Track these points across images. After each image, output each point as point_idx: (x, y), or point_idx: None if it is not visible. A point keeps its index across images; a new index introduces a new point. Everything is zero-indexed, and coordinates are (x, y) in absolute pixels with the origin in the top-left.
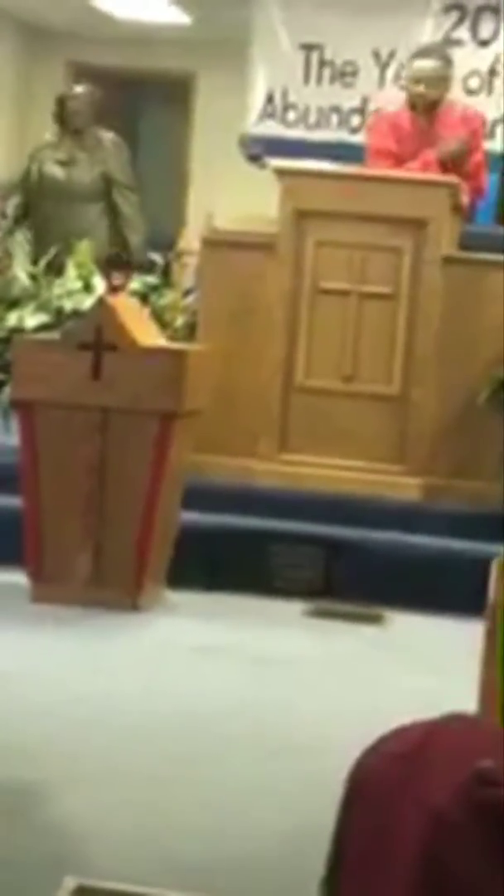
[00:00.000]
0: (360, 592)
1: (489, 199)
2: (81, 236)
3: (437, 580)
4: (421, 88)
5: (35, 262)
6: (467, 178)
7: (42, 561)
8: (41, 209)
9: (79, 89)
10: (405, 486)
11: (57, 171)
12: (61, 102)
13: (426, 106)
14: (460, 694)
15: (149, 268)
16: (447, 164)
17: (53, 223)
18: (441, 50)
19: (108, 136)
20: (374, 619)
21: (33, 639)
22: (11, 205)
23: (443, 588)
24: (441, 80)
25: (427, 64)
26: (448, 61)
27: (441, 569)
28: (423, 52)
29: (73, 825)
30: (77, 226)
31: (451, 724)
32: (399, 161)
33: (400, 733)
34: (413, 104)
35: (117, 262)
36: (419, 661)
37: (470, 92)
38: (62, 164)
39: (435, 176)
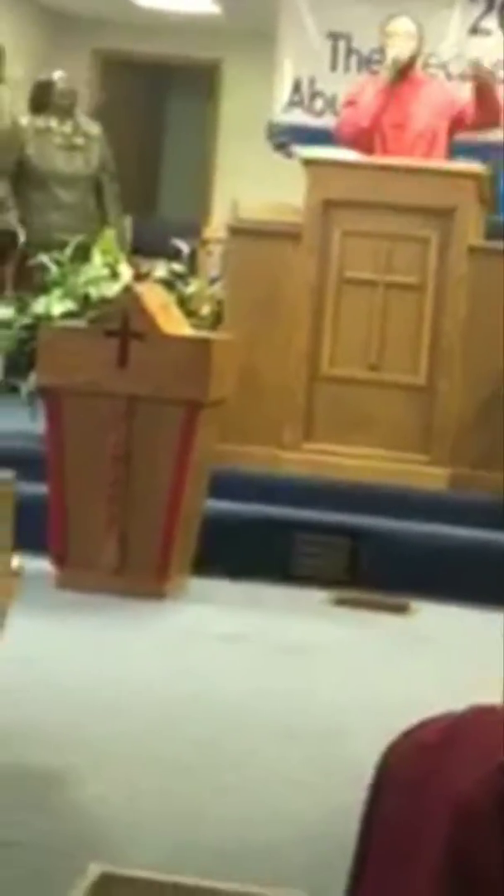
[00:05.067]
0: (385, 582)
1: None
2: (70, 215)
3: (463, 570)
4: (395, 41)
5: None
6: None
7: (67, 548)
8: (32, 194)
9: (60, 73)
10: (430, 476)
11: (59, 157)
12: (44, 87)
13: (401, 68)
14: (486, 684)
15: (174, 255)
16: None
17: (46, 207)
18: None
19: (89, 120)
20: (399, 609)
21: (58, 625)
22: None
23: (468, 578)
24: (412, 37)
25: (399, 21)
26: (419, 25)
27: (466, 559)
28: (393, 15)
29: (97, 811)
30: (66, 205)
31: (478, 716)
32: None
33: (428, 724)
34: (388, 67)
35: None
36: (444, 650)
37: (498, 80)
38: (65, 149)
39: (461, 166)
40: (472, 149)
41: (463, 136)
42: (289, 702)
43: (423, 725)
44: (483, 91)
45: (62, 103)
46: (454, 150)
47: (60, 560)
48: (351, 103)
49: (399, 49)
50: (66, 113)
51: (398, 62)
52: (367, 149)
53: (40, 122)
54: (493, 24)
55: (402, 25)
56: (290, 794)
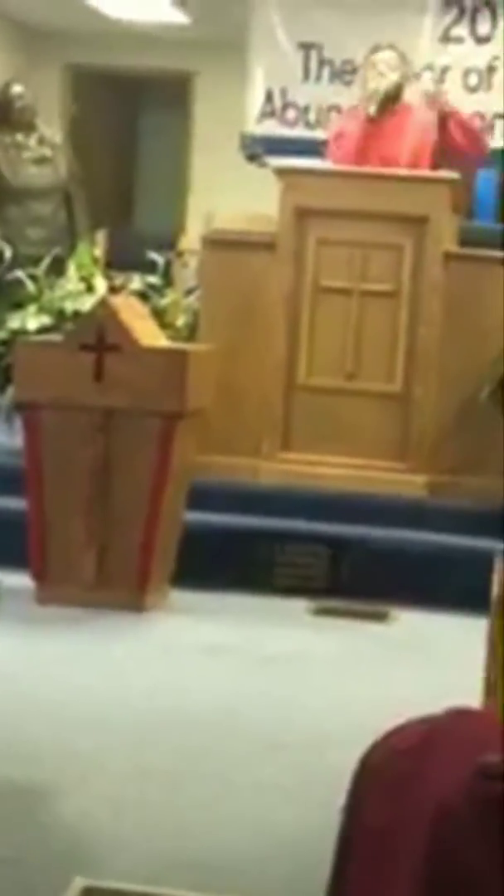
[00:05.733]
0: (366, 590)
1: (489, 197)
2: (45, 229)
3: (442, 577)
4: (378, 72)
5: None
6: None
7: (47, 562)
8: (8, 210)
9: (18, 87)
10: (409, 484)
11: (32, 170)
12: (3, 103)
13: (383, 100)
14: (466, 690)
15: (150, 268)
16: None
17: (23, 222)
18: (397, 48)
19: (51, 129)
20: (380, 617)
21: (39, 640)
22: None
23: (448, 585)
24: (391, 68)
25: (380, 54)
26: (403, 57)
27: (446, 566)
28: (378, 47)
29: (81, 824)
30: (41, 218)
31: (454, 720)
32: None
33: (405, 729)
34: (369, 98)
35: None
36: (425, 658)
37: (469, 89)
38: (35, 162)
39: (434, 173)
40: None
41: None
42: (271, 712)
43: (400, 729)
44: (445, 120)
45: (24, 118)
46: None
47: (40, 575)
48: (339, 136)
49: (378, 81)
50: (29, 126)
51: (377, 94)
52: None
53: (7, 137)
54: (464, 32)
55: (382, 57)
56: (275, 805)
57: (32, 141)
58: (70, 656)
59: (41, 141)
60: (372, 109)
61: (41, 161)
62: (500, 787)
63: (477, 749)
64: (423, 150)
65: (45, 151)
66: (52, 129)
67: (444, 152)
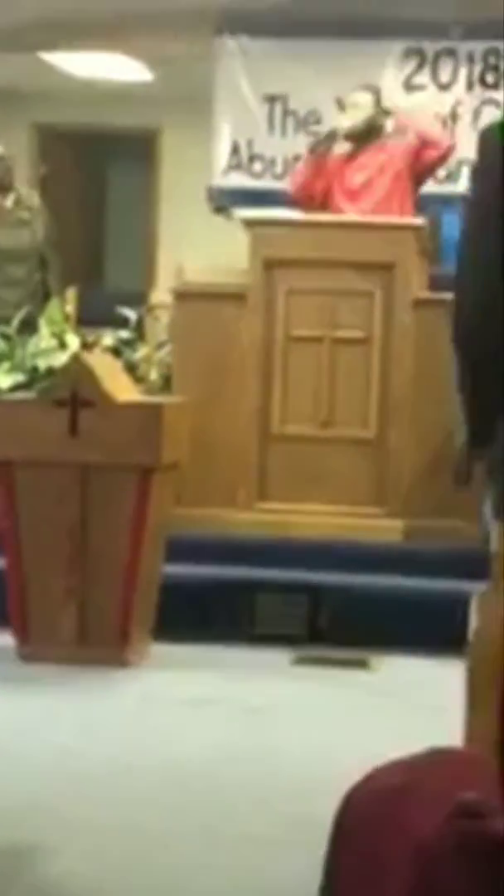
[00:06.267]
0: (346, 637)
1: (454, 241)
2: (19, 291)
3: (421, 621)
4: (348, 115)
5: None
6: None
7: (27, 621)
8: None
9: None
10: (386, 529)
11: (8, 233)
12: None
13: (358, 134)
14: (448, 734)
15: (122, 323)
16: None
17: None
18: (375, 90)
19: (29, 191)
20: (361, 664)
21: (22, 699)
22: None
23: (427, 629)
24: (358, 108)
25: (350, 96)
26: (378, 97)
27: (424, 610)
28: (354, 88)
29: (68, 883)
30: (16, 280)
31: (434, 758)
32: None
33: (384, 770)
34: (346, 137)
35: None
36: (406, 703)
37: None
38: (12, 224)
39: (399, 219)
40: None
41: None
42: (256, 763)
43: (380, 770)
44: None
45: (3, 180)
46: None
47: (21, 633)
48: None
49: (339, 120)
50: (5, 188)
51: (333, 132)
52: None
53: None
54: (426, 79)
55: (350, 98)
56: (263, 857)
57: (9, 202)
58: (53, 714)
59: (18, 203)
60: (346, 146)
61: (18, 223)
62: (479, 825)
63: (457, 788)
64: (400, 183)
65: (22, 214)
66: (29, 190)
67: (421, 175)
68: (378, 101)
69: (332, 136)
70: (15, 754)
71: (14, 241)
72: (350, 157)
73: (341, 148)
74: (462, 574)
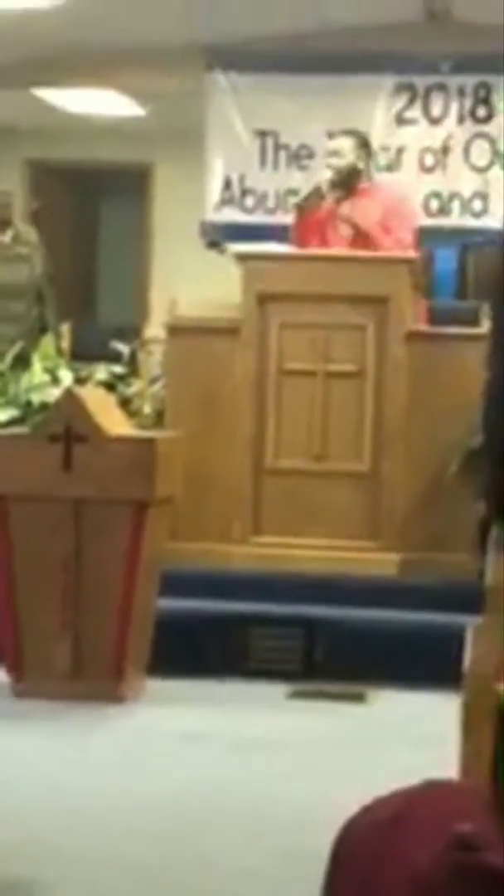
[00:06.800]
0: (341, 671)
1: (447, 274)
2: (17, 326)
3: (417, 655)
4: (334, 160)
5: None
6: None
7: (22, 656)
8: None
9: None
10: (380, 562)
11: (6, 268)
12: None
13: (341, 181)
14: (444, 767)
15: (115, 358)
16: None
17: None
18: (357, 134)
19: (27, 227)
20: (357, 698)
21: (16, 735)
22: None
23: (422, 662)
24: (339, 155)
25: (332, 142)
26: (363, 141)
27: (420, 643)
28: (332, 134)
29: None
30: (14, 316)
31: (429, 790)
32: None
33: (380, 802)
34: (331, 183)
35: None
36: (402, 737)
37: (425, 169)
38: (10, 260)
39: (392, 254)
40: None
41: None
42: (252, 798)
43: (374, 804)
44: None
45: (2, 216)
46: None
47: (15, 668)
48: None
49: (321, 173)
50: (4, 224)
51: (318, 189)
52: None
53: None
54: (418, 114)
55: (330, 146)
56: (258, 891)
57: (7, 238)
58: (48, 750)
59: (16, 238)
60: (330, 197)
61: (16, 259)
62: (474, 857)
63: (452, 819)
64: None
65: (20, 250)
66: (27, 226)
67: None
68: (361, 144)
69: (317, 193)
70: (10, 789)
71: (13, 276)
72: (338, 202)
73: (330, 197)
74: (457, 607)
